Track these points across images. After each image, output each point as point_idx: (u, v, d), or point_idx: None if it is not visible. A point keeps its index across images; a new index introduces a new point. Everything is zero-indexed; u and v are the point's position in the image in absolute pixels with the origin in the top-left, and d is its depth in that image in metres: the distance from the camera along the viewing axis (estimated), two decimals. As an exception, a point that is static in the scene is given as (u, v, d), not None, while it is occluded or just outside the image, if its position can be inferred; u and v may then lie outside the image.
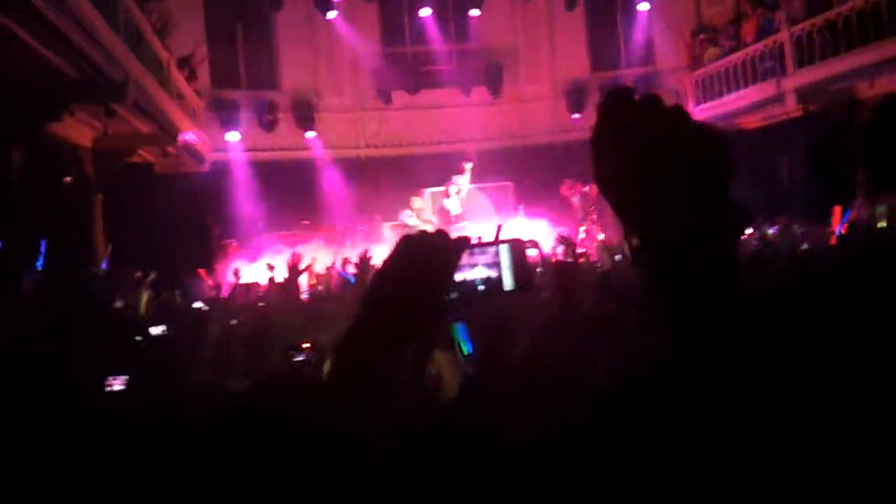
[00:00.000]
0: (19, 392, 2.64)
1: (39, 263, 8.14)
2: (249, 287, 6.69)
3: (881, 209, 9.26)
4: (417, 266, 1.04)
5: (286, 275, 4.96)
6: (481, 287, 1.13)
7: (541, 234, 12.00)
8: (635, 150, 0.80)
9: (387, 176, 15.79)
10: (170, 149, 13.15)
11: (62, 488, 1.65)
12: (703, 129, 0.82)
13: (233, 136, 16.50)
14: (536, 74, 18.72)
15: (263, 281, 7.58)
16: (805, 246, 6.34)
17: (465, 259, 1.10)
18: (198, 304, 5.85)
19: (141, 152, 13.15)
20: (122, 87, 9.26)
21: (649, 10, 18.20)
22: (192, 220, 14.32)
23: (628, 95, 0.85)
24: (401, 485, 1.16)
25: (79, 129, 11.02)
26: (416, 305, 1.03)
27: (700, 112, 16.40)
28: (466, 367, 2.40)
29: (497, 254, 1.14)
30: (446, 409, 2.03)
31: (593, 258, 7.12)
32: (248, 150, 16.70)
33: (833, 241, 6.79)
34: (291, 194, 15.94)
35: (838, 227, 7.04)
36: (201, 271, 9.98)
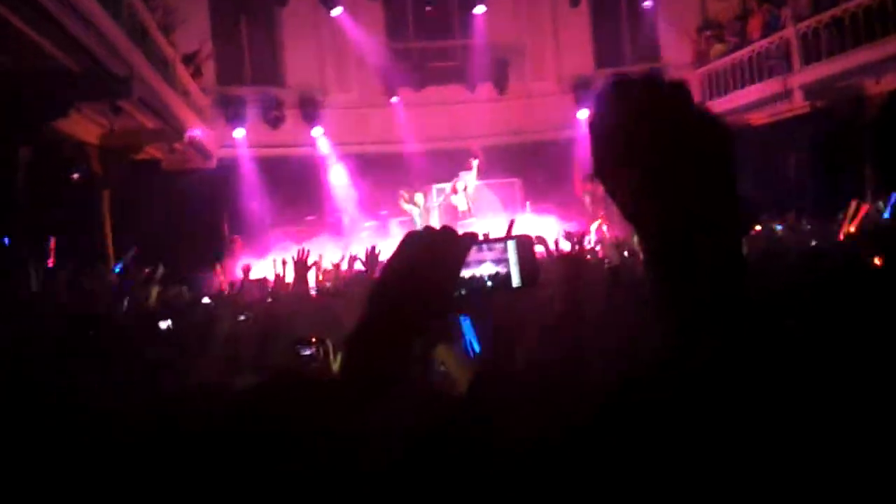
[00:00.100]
0: (20, 391, 2.65)
1: (49, 261, 8.16)
2: (257, 283, 6.70)
3: (882, 206, 9.22)
4: (424, 262, 1.04)
5: (294, 271, 4.96)
6: (489, 283, 1.12)
7: (548, 230, 11.99)
8: (638, 134, 0.79)
9: (393, 172, 15.78)
10: (176, 145, 13.18)
11: (63, 489, 1.65)
12: (708, 115, 0.81)
13: (239, 133, 16.52)
14: (542, 70, 18.69)
15: (271, 277, 7.59)
16: (814, 242, 6.32)
17: (472, 255, 1.10)
18: (206, 300, 5.86)
19: (148, 149, 13.18)
20: (128, 84, 9.27)
21: (654, 6, 18.17)
22: (199, 217, 14.35)
23: (628, 80, 0.84)
24: (406, 483, 1.16)
25: (85, 126, 11.04)
26: (424, 301, 1.03)
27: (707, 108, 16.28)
28: (474, 364, 2.39)
29: (504, 250, 1.14)
30: (453, 406, 2.03)
31: (602, 255, 7.11)
32: (255, 146, 16.72)
33: (841, 236, 6.77)
34: (298, 190, 15.97)
35: (847, 223, 7.02)
36: (217, 269, 10.00)
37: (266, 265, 8.17)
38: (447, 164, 15.89)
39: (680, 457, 0.69)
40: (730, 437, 0.67)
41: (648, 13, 18.25)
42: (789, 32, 14.19)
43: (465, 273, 1.10)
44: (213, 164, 15.70)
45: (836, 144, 12.74)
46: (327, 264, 7.22)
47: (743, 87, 15.61)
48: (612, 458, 0.74)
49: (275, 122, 17.28)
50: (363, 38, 17.83)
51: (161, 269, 6.81)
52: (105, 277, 7.34)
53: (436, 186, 15.57)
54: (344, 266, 6.87)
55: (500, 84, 18.36)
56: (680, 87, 0.82)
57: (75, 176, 11.47)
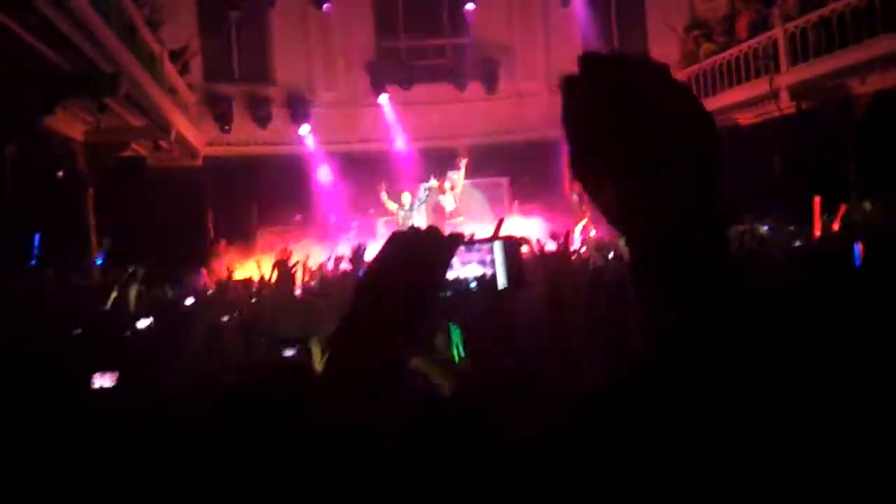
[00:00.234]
0: (12, 390, 2.64)
1: (34, 258, 8.11)
2: (241, 283, 6.67)
3: (868, 205, 9.29)
4: (409, 262, 1.03)
5: (276, 271, 4.96)
6: (474, 285, 1.12)
7: (534, 230, 12.00)
8: (614, 121, 0.75)
9: (381, 171, 15.76)
10: (162, 143, 13.12)
11: (55, 489, 1.64)
12: (694, 100, 0.78)
13: (227, 130, 16.47)
14: (531, 70, 18.70)
15: (255, 277, 7.58)
16: (798, 242, 6.36)
17: (458, 256, 1.09)
18: (189, 301, 5.84)
19: (133, 146, 13.11)
20: (115, 81, 9.22)
21: (643, 5, 18.22)
22: (184, 215, 14.28)
23: (597, 57, 0.80)
24: (391, 482, 1.16)
25: (71, 123, 10.98)
26: (408, 301, 1.01)
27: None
28: (457, 368, 2.39)
29: (490, 251, 1.13)
30: (439, 407, 2.03)
31: (587, 255, 7.13)
32: (242, 144, 16.66)
33: (816, 236, 6.80)
34: (285, 189, 15.93)
35: (819, 223, 7.05)
36: (203, 271, 9.97)
37: (251, 265, 8.14)
38: (435, 164, 15.89)
39: (683, 457, 0.68)
40: (734, 438, 0.66)
41: (637, 13, 18.31)
42: (777, 32, 14.25)
43: (451, 274, 1.09)
44: (200, 161, 15.64)
45: (822, 145, 12.80)
46: (313, 264, 7.20)
47: (730, 86, 15.66)
48: (611, 460, 0.73)
49: (262, 120, 17.23)
50: (351, 36, 17.80)
51: (141, 269, 6.76)
52: (91, 275, 7.31)
53: (423, 185, 15.56)
54: (329, 266, 6.86)
55: (489, 83, 18.38)
56: (659, 68, 0.78)
57: (61, 174, 11.39)
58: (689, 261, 0.73)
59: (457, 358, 2.59)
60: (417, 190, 15.51)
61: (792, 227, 7.73)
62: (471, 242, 1.13)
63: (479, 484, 1.25)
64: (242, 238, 14.07)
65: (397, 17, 18.78)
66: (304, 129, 17.47)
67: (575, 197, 15.16)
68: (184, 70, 14.97)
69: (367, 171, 15.76)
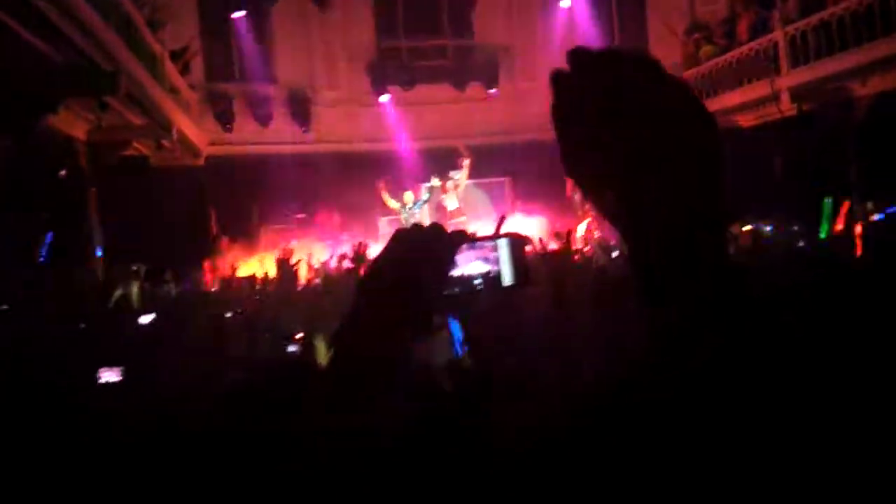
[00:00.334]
0: (14, 389, 2.64)
1: (42, 256, 8.11)
2: (244, 280, 6.67)
3: (870, 207, 9.29)
4: (413, 259, 1.03)
5: (278, 269, 4.97)
6: (478, 282, 1.12)
7: (537, 229, 12.00)
8: (620, 116, 0.74)
9: (382, 171, 15.75)
10: (164, 142, 13.11)
11: (58, 487, 1.64)
12: (692, 96, 0.76)
13: (229, 129, 16.47)
14: (532, 70, 18.69)
15: (259, 275, 7.58)
16: (801, 243, 6.36)
17: (462, 254, 1.09)
18: (192, 297, 5.85)
19: (136, 145, 13.10)
20: (115, 80, 9.22)
21: (643, 7, 18.22)
22: (187, 213, 14.26)
23: (587, 52, 0.79)
24: (395, 476, 1.16)
25: (73, 122, 10.97)
26: (412, 298, 1.02)
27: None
28: (458, 364, 2.40)
29: (495, 249, 1.13)
30: (443, 403, 2.03)
31: (590, 254, 7.13)
32: (244, 143, 16.66)
33: (823, 234, 6.81)
34: (287, 188, 15.91)
35: (828, 224, 7.06)
36: (206, 265, 9.97)
37: (254, 263, 8.15)
38: (437, 163, 15.88)
39: (684, 456, 0.68)
40: (738, 436, 0.66)
41: (638, 15, 18.32)
42: (777, 35, 14.26)
43: (455, 272, 1.09)
44: (202, 161, 15.63)
45: (823, 147, 12.80)
46: (316, 262, 7.21)
47: (731, 89, 15.66)
48: (612, 459, 0.73)
49: (263, 119, 17.23)
50: (352, 36, 17.80)
51: (144, 267, 6.78)
52: (94, 274, 7.32)
53: (425, 185, 15.56)
54: (332, 264, 6.86)
55: (490, 83, 18.38)
56: (653, 63, 0.77)
57: (63, 173, 11.38)
58: (691, 258, 0.72)
59: (458, 354, 2.59)
60: (419, 189, 15.50)
61: (795, 228, 7.73)
62: (475, 240, 1.12)
63: (479, 484, 1.25)
64: (245, 236, 14.06)
65: (398, 18, 18.78)
66: (306, 129, 17.46)
67: (577, 196, 15.14)
68: (185, 70, 14.97)
69: (368, 170, 15.75)
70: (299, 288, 5.27)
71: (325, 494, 0.89)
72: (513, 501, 1.04)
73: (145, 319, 4.17)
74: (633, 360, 0.83)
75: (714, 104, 15.79)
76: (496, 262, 1.12)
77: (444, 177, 15.06)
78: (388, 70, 18.20)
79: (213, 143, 16.17)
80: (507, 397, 2.03)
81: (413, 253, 1.04)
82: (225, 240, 14.18)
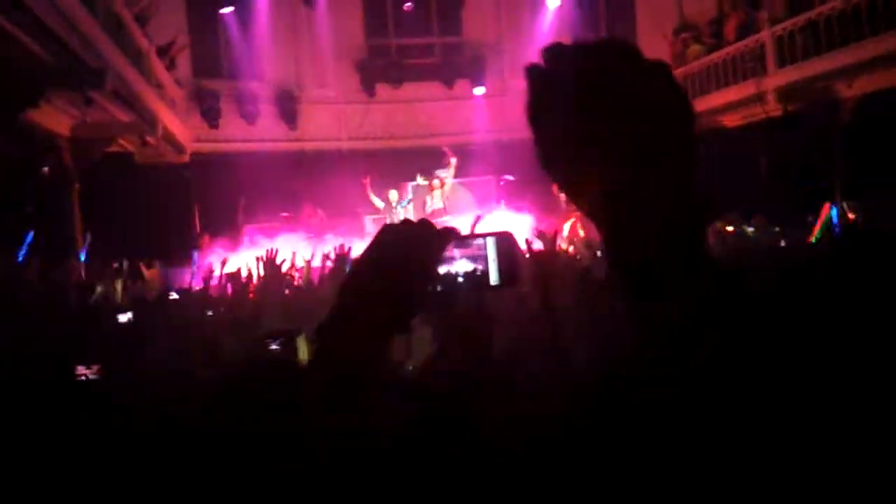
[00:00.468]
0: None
1: (21, 255, 8.05)
2: (226, 278, 6.65)
3: (846, 206, 9.38)
4: (399, 256, 1.02)
5: (263, 270, 4.96)
6: (461, 280, 1.10)
7: (523, 228, 12.01)
8: (587, 110, 0.73)
9: (369, 169, 15.74)
10: (149, 139, 13.04)
11: (43, 487, 1.62)
12: (674, 88, 0.75)
13: (215, 127, 16.45)
14: (520, 69, 18.65)
15: (243, 273, 7.55)
16: (783, 243, 6.39)
17: (449, 252, 1.08)
18: (174, 295, 5.81)
19: (120, 141, 13.03)
20: (101, 75, 9.15)
21: (632, 7, 18.29)
22: (171, 211, 14.23)
23: (560, 47, 0.78)
24: (391, 482, 1.15)
25: (56, 117, 10.90)
26: (396, 295, 1.00)
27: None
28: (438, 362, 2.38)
29: (483, 247, 1.11)
30: (428, 403, 2.01)
31: (574, 253, 7.13)
32: (230, 141, 16.61)
33: (810, 238, 6.86)
34: (272, 186, 15.86)
35: (818, 225, 7.12)
36: (189, 264, 9.94)
37: (239, 261, 8.12)
38: (424, 162, 15.88)
39: (690, 455, 0.67)
40: (741, 435, 0.65)
41: (626, 14, 18.39)
42: (764, 35, 14.33)
43: (442, 269, 1.07)
44: (187, 158, 15.56)
45: (808, 147, 12.88)
46: (300, 261, 7.18)
47: (718, 89, 15.74)
48: (612, 458, 0.72)
49: (250, 116, 17.18)
50: (341, 33, 17.78)
51: (126, 264, 6.75)
52: (76, 271, 7.28)
53: (411, 184, 15.56)
54: (316, 263, 6.84)
55: (478, 82, 18.40)
56: (634, 53, 0.75)
57: (45, 169, 11.31)
58: (692, 253, 0.71)
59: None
60: (405, 188, 15.49)
61: (777, 228, 7.79)
62: (463, 238, 1.10)
63: (478, 483, 1.24)
64: (229, 234, 14.01)
65: (386, 15, 18.77)
66: (293, 127, 17.44)
67: (562, 195, 15.15)
68: (171, 65, 14.90)
69: (355, 168, 15.73)
70: (285, 287, 5.25)
71: (325, 494, 0.87)
72: (512, 501, 1.02)
73: (123, 317, 4.14)
74: (626, 357, 0.81)
75: (701, 104, 15.87)
76: (484, 260, 1.10)
77: (429, 175, 15.06)
78: (376, 68, 18.20)
79: (198, 140, 16.12)
80: (496, 396, 2.02)
81: (400, 249, 1.03)
82: (207, 237, 14.13)
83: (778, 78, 13.99)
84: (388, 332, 1.01)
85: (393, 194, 14.81)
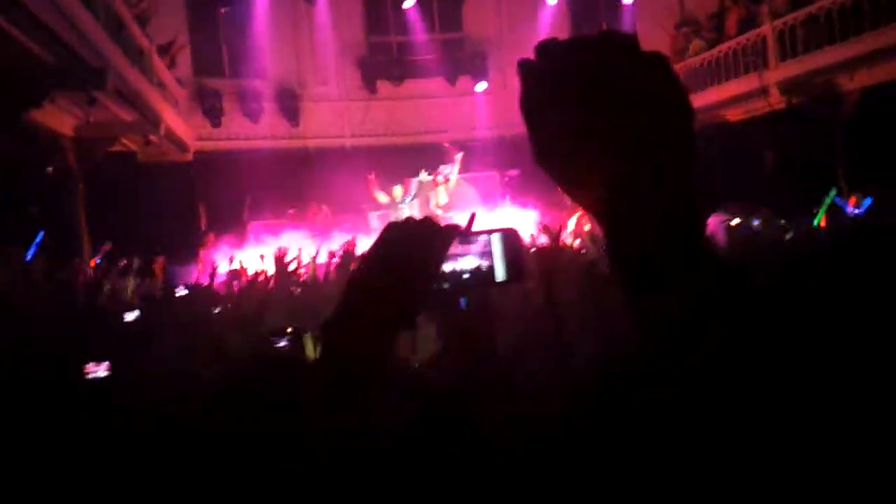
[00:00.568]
0: (7, 386, 2.62)
1: (29, 255, 8.07)
2: (231, 275, 6.67)
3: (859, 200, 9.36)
4: (404, 253, 1.03)
5: (275, 268, 4.97)
6: (466, 276, 1.09)
7: (528, 223, 12.00)
8: (601, 101, 0.72)
9: (372, 166, 15.73)
10: (152, 137, 13.04)
11: (48, 485, 1.62)
12: (671, 81, 0.74)
13: (217, 125, 16.44)
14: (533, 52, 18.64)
15: (250, 271, 7.56)
16: (789, 236, 6.39)
17: (454, 249, 1.08)
18: (181, 292, 5.82)
19: (123, 141, 13.04)
20: (103, 75, 9.15)
21: (633, 1, 18.24)
22: (175, 209, 14.23)
23: (553, 43, 0.77)
24: (391, 482, 1.15)
25: (60, 118, 10.90)
26: (402, 293, 1.01)
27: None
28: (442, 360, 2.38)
29: (488, 243, 1.11)
30: (434, 399, 2.02)
31: (580, 248, 7.13)
32: (232, 139, 16.61)
33: (812, 225, 6.87)
34: (276, 184, 15.86)
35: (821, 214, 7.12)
36: (196, 261, 9.95)
37: (244, 258, 8.13)
38: (427, 158, 15.87)
39: (693, 452, 0.67)
40: (745, 432, 0.65)
41: (627, 8, 18.33)
42: (766, 29, 14.29)
43: (447, 267, 1.07)
44: (190, 156, 15.57)
45: (811, 141, 12.84)
46: (305, 258, 7.19)
47: (719, 83, 15.69)
48: (614, 458, 0.71)
49: (253, 114, 17.17)
50: (341, 30, 17.75)
51: (137, 262, 6.78)
52: (82, 270, 7.28)
53: (415, 179, 15.54)
54: (321, 259, 6.85)
55: (480, 77, 18.37)
56: (632, 45, 0.74)
57: (50, 169, 11.31)
58: (693, 246, 0.71)
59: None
60: (409, 184, 15.48)
61: (782, 221, 7.78)
62: (468, 234, 1.11)
63: (478, 483, 1.24)
64: (234, 231, 14.01)
65: (387, 12, 18.74)
66: (295, 124, 17.43)
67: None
68: (171, 64, 14.89)
69: (359, 165, 15.72)
70: (292, 284, 5.26)
71: (325, 494, 0.88)
72: (512, 501, 1.03)
73: (130, 316, 4.15)
74: (627, 355, 0.81)
75: (702, 98, 15.84)
76: (489, 257, 1.10)
77: (433, 171, 15.05)
78: (377, 64, 18.18)
79: (201, 139, 16.12)
80: (498, 396, 2.02)
81: (404, 247, 1.03)
82: (212, 235, 14.14)
83: (780, 72, 13.94)
84: (394, 329, 1.01)
85: (397, 190, 14.79)
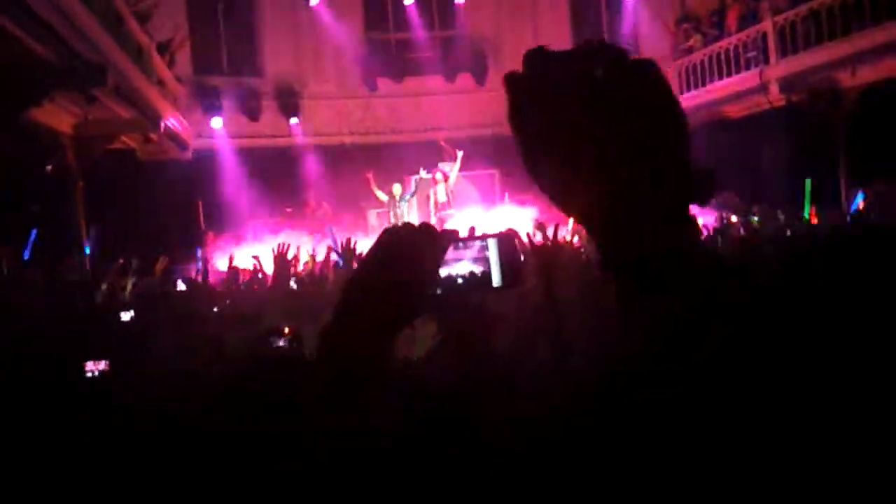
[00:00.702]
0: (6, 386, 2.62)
1: (26, 253, 8.07)
2: (230, 273, 6.67)
3: (859, 196, 9.36)
4: (400, 260, 1.03)
5: (274, 265, 4.97)
6: (461, 282, 1.10)
7: (526, 221, 12.00)
8: (594, 109, 0.72)
9: (372, 163, 15.74)
10: (152, 135, 13.04)
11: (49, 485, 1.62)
12: (661, 86, 0.75)
13: (217, 123, 16.43)
14: (521, 61, 18.62)
15: (248, 268, 7.57)
16: (788, 233, 6.40)
17: (451, 253, 1.07)
18: (181, 286, 5.83)
19: (122, 139, 13.03)
20: (102, 73, 9.15)
21: (634, -1, 18.26)
22: (175, 207, 14.23)
23: (541, 52, 0.78)
24: (391, 482, 1.15)
25: (59, 116, 10.89)
26: (398, 300, 1.01)
27: (684, 100, 16.50)
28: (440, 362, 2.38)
29: (485, 248, 1.10)
30: (433, 402, 2.01)
31: (579, 245, 7.13)
32: (232, 137, 16.61)
33: (802, 214, 6.89)
34: (276, 182, 15.87)
35: (808, 205, 7.15)
36: (195, 260, 9.96)
37: (243, 256, 8.14)
38: (426, 155, 15.87)
39: (691, 454, 0.66)
40: (748, 432, 0.64)
41: (627, 4, 18.31)
42: (766, 25, 14.28)
43: (443, 272, 1.07)
44: (189, 154, 15.57)
45: (811, 137, 12.84)
46: (304, 256, 7.20)
47: (720, 79, 15.69)
48: (615, 458, 0.71)
49: (252, 112, 17.17)
50: (341, 28, 17.74)
51: (135, 261, 6.78)
52: (82, 269, 7.30)
53: (415, 177, 15.54)
54: (320, 258, 6.85)
55: (480, 75, 18.35)
56: (618, 53, 0.75)
57: (49, 168, 11.31)
58: (691, 246, 0.71)
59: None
60: (408, 181, 15.49)
61: (782, 216, 7.78)
62: (464, 239, 1.10)
63: (478, 483, 1.24)
64: (232, 229, 14.02)
65: (386, 10, 18.73)
66: (295, 122, 17.42)
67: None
68: (171, 62, 14.88)
69: (358, 163, 15.73)
70: (292, 282, 5.26)
71: (325, 494, 0.88)
72: (512, 501, 1.02)
73: (126, 315, 4.15)
74: (628, 354, 0.80)
75: (703, 95, 15.84)
76: (484, 261, 1.10)
77: (433, 169, 15.05)
78: (377, 62, 18.17)
79: (200, 137, 16.11)
80: (498, 395, 2.01)
81: (401, 252, 1.03)
82: (209, 233, 14.14)
83: (780, 68, 13.94)
84: (392, 331, 1.01)
85: (396, 188, 14.80)
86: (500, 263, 1.10)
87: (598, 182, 0.73)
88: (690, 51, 16.87)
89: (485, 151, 16.59)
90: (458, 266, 1.09)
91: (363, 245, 4.71)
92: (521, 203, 14.60)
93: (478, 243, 1.10)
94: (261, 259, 5.49)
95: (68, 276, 6.31)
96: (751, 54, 14.63)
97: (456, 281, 1.09)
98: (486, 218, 13.20)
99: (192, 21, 16.63)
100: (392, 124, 18.09)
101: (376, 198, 14.96)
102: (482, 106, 17.81)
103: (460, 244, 1.09)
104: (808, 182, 7.43)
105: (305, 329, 3.13)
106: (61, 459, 1.69)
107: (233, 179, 15.87)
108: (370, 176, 14.72)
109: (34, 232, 7.98)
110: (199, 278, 6.28)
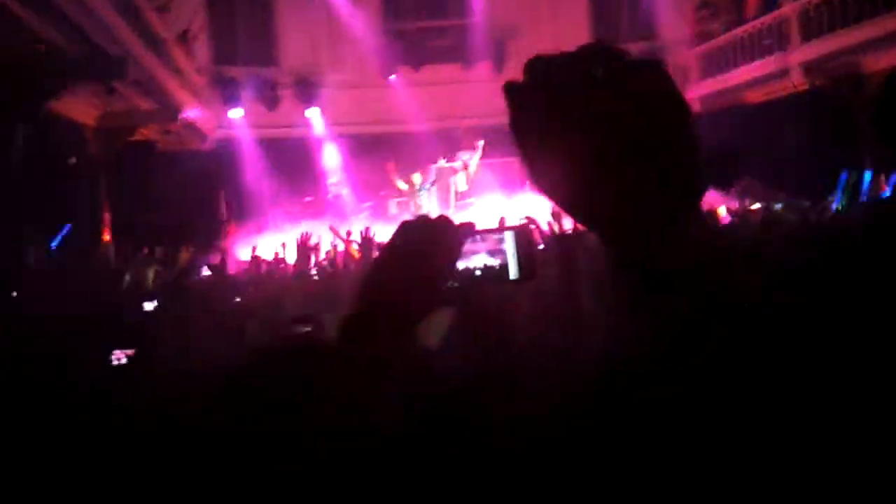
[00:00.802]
0: (21, 378, 2.65)
1: (55, 244, 8.17)
2: (251, 263, 6.71)
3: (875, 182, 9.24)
4: (416, 253, 1.03)
5: (297, 253, 5.01)
6: (477, 274, 1.10)
7: (546, 210, 11.97)
8: (596, 112, 0.72)
9: (391, 152, 15.74)
10: (172, 126, 13.12)
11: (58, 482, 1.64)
12: (670, 90, 0.74)
13: (236, 113, 16.49)
14: (539, 49, 18.45)
15: (268, 257, 7.62)
16: (812, 218, 6.33)
17: (467, 246, 1.08)
18: (205, 272, 5.87)
19: (143, 130, 13.12)
20: (122, 64, 9.21)
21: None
22: (195, 198, 14.32)
23: (544, 60, 0.78)
24: (392, 482, 1.16)
25: (81, 108, 10.98)
26: (416, 293, 1.02)
27: (704, 86, 16.37)
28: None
29: (502, 241, 1.10)
30: (438, 407, 2.02)
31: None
32: (251, 127, 16.67)
33: (833, 207, 6.80)
34: (295, 171, 15.93)
35: (845, 198, 7.03)
36: (217, 250, 10.03)
37: (264, 246, 8.19)
38: (446, 144, 15.85)
39: (692, 454, 0.66)
40: (751, 432, 0.64)
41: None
42: (788, 10, 14.10)
43: (459, 264, 1.07)
44: (209, 145, 15.64)
45: (834, 122, 12.68)
46: (325, 245, 7.22)
47: (741, 64, 15.53)
48: (615, 459, 0.71)
49: (270, 102, 17.22)
50: (358, 17, 17.72)
51: (159, 251, 6.84)
52: (108, 259, 7.38)
53: (434, 166, 15.53)
54: (340, 247, 6.88)
55: (498, 63, 18.27)
56: (617, 53, 0.75)
57: (73, 160, 11.42)
58: (700, 244, 0.71)
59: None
60: (428, 170, 15.47)
61: (807, 203, 7.69)
62: (482, 232, 1.10)
63: (478, 483, 1.25)
64: (253, 219, 14.09)
65: (404, -2, 18.70)
66: (313, 111, 17.44)
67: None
68: (189, 53, 14.94)
69: (376, 152, 15.74)
70: (314, 271, 5.29)
71: (325, 494, 0.88)
72: (512, 501, 1.03)
73: (149, 305, 4.18)
74: (630, 354, 0.80)
75: (724, 80, 15.69)
76: (501, 254, 1.10)
77: (452, 157, 15.02)
78: (394, 51, 18.14)
79: (220, 127, 16.19)
80: (496, 397, 2.02)
81: (418, 246, 1.04)
82: (231, 223, 14.22)
83: (802, 53, 13.76)
84: (408, 324, 1.02)
85: (416, 177, 14.78)
86: (517, 256, 1.10)
87: (602, 183, 0.73)
88: (711, 36, 16.71)
89: (505, 139, 16.33)
90: (474, 259, 1.10)
91: (382, 234, 4.73)
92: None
93: (494, 236, 1.10)
94: (284, 247, 5.52)
95: (95, 266, 6.38)
96: (767, 42, 14.45)
97: (473, 274, 1.10)
98: (506, 206, 13.19)
99: (210, 12, 16.67)
100: (411, 113, 18.07)
101: (396, 187, 14.95)
102: (501, 94, 17.76)
103: (477, 237, 1.09)
104: (848, 174, 7.29)
105: (326, 317, 3.14)
106: (61, 458, 1.71)
107: (252, 169, 15.93)
108: (391, 165, 14.72)
109: (68, 226, 8.07)
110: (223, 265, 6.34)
